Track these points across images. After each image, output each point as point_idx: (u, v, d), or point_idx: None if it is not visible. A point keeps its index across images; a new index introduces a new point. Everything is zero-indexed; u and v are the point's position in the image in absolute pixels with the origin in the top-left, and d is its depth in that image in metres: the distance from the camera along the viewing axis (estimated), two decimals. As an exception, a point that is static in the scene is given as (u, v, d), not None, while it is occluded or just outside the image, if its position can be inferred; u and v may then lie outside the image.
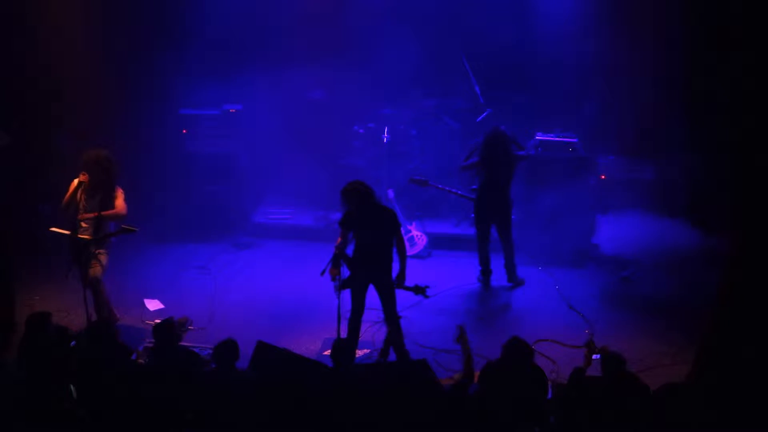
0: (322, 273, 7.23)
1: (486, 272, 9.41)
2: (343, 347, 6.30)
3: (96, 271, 7.77)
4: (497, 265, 9.43)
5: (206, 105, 10.75)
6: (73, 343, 6.63)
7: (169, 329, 6.42)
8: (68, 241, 7.58)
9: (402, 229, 7.51)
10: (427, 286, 7.40)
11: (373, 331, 8.17)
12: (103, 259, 7.84)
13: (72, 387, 6.00)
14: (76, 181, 7.74)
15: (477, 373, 6.27)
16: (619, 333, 8.32)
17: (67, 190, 7.74)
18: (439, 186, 9.72)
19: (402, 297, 7.62)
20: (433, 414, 5.86)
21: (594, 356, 6.40)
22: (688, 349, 7.72)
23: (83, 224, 7.72)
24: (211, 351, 6.55)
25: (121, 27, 10.15)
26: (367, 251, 7.35)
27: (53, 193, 8.41)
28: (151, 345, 7.11)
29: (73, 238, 7.54)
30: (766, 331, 6.54)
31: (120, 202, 7.77)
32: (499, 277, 9.45)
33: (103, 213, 7.67)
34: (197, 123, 10.72)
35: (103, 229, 7.77)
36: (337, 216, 9.04)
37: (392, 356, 7.43)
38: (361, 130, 11.04)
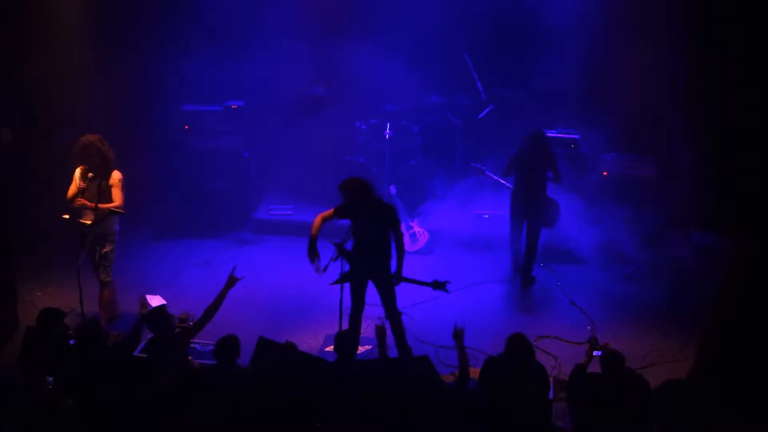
0: (324, 269, 7.23)
1: (517, 267, 9.29)
2: (347, 339, 6.29)
3: (105, 276, 8.03)
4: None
5: (208, 101, 10.74)
6: (72, 341, 6.64)
7: (159, 318, 6.48)
8: (75, 228, 7.69)
9: (404, 225, 7.45)
10: (447, 281, 7.18)
11: (374, 327, 8.15)
12: (109, 252, 7.98)
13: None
14: (77, 171, 7.78)
15: (476, 370, 6.28)
16: (621, 330, 8.33)
17: (71, 184, 7.81)
18: (494, 177, 9.43)
19: (403, 295, 7.60)
20: (434, 410, 5.87)
21: (595, 353, 6.41)
22: (690, 346, 7.74)
23: (89, 204, 7.74)
24: (212, 347, 6.55)
25: (122, 24, 10.14)
26: (366, 247, 7.31)
27: (53, 193, 8.41)
28: (152, 339, 7.10)
29: (75, 222, 7.69)
30: (766, 330, 6.54)
31: (117, 194, 7.77)
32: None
33: (100, 206, 7.69)
34: (199, 119, 10.71)
35: (102, 215, 7.80)
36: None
37: (393, 352, 7.43)
38: (363, 127, 11.02)
